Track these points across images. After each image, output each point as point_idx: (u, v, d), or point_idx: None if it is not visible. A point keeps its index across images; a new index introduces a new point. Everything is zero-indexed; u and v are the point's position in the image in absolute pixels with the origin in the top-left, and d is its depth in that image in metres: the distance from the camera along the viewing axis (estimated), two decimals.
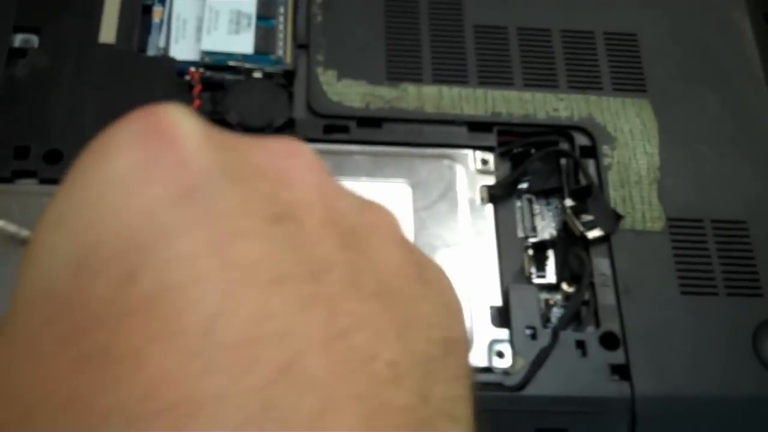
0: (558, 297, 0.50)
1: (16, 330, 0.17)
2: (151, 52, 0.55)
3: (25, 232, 0.22)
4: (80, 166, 0.18)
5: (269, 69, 0.54)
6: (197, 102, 0.51)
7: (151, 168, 0.17)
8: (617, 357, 0.47)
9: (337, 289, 0.17)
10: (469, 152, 0.52)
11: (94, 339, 0.15)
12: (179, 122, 0.18)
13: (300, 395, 0.15)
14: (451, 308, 0.21)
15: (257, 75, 0.53)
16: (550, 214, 0.52)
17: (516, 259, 0.50)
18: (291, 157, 0.19)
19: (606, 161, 0.53)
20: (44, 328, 0.16)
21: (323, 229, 0.18)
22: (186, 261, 0.16)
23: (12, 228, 0.22)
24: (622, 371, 0.47)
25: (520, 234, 0.51)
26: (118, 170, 0.17)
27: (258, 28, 0.55)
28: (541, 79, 0.55)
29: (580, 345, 0.47)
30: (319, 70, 0.54)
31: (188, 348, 0.15)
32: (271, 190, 0.18)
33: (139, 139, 0.17)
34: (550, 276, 0.50)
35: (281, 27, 0.55)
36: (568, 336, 0.47)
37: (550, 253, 0.51)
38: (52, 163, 0.49)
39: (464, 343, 0.20)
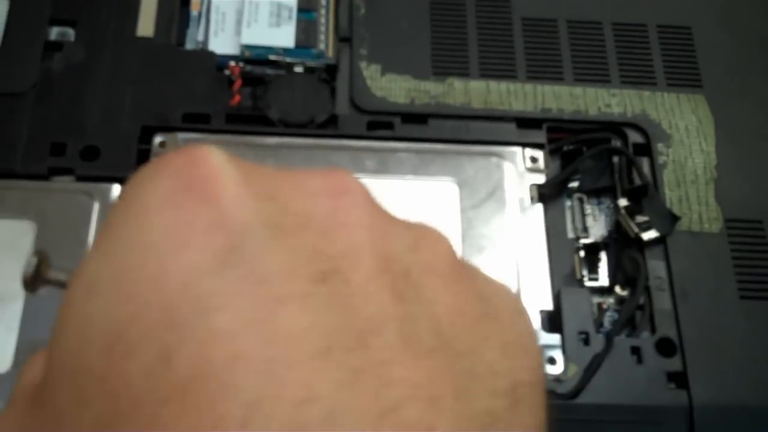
0: (611, 301, 0.48)
1: (48, 403, 0.16)
2: (189, 45, 0.54)
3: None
4: (114, 223, 0.17)
5: (311, 63, 0.52)
6: (237, 98, 0.50)
7: (188, 230, 0.16)
8: (674, 364, 0.45)
9: (387, 353, 0.16)
10: (517, 150, 0.51)
11: (128, 427, 0.15)
12: (216, 170, 0.17)
13: None
14: (520, 343, 0.19)
15: (298, 69, 0.52)
16: (602, 214, 0.51)
17: (567, 261, 0.49)
18: (337, 197, 0.18)
19: (661, 159, 0.51)
20: (77, 409, 0.15)
21: (373, 282, 0.17)
22: (224, 339, 0.15)
23: (62, 276, 0.21)
24: (679, 379, 0.45)
25: (571, 235, 0.50)
26: (154, 233, 0.16)
27: (299, 21, 0.53)
28: (592, 74, 0.53)
29: (635, 351, 0.45)
30: (363, 64, 0.52)
31: None
32: (315, 243, 0.17)
33: (176, 194, 0.17)
34: (603, 279, 0.49)
35: (323, 20, 0.54)
36: (623, 342, 0.45)
37: (603, 255, 0.49)
38: (89, 159, 0.48)
39: (537, 384, 0.19)
